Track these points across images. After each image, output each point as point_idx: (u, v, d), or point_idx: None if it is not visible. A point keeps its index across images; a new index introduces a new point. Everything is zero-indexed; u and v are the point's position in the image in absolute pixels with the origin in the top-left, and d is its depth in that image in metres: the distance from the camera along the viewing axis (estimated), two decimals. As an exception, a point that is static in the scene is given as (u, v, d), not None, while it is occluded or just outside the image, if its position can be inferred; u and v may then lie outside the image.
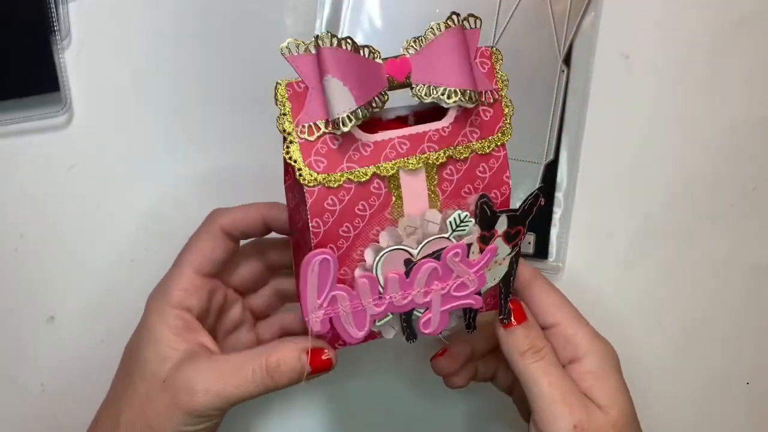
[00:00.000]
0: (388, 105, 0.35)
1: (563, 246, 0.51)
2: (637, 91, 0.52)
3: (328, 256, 0.34)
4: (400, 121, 0.38)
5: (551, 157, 0.51)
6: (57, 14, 0.47)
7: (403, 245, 0.36)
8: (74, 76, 0.48)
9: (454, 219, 0.36)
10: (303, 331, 0.37)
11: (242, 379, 0.37)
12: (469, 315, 0.39)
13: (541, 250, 0.51)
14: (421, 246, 0.36)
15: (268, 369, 0.37)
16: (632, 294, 0.53)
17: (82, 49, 0.48)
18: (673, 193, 0.53)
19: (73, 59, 0.48)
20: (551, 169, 0.51)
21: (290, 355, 0.38)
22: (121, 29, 0.48)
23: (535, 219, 0.37)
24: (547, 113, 0.51)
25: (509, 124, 0.38)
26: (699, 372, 0.54)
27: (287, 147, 0.34)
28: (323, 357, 0.38)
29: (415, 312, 0.37)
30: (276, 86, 0.34)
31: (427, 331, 0.38)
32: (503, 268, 0.38)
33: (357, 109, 0.33)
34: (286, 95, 0.34)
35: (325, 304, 0.35)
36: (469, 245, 0.36)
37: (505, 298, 0.39)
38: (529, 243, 0.51)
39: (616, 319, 0.52)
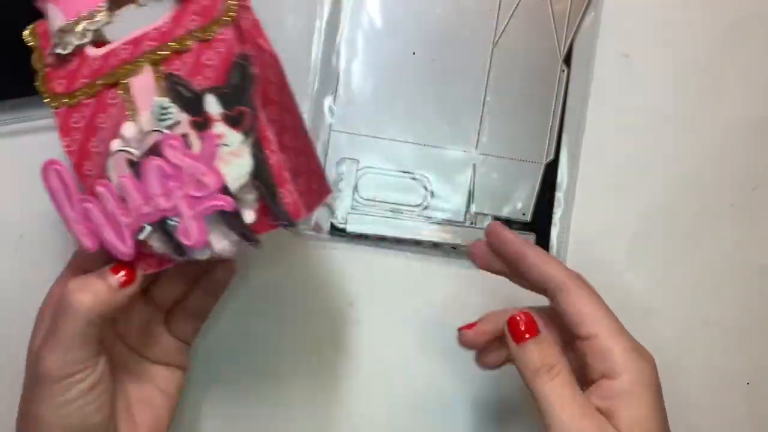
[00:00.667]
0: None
1: (563, 246, 0.51)
2: (638, 90, 0.52)
3: (56, 166, 0.35)
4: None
5: (551, 156, 0.51)
6: (56, 14, 0.47)
7: (122, 145, 0.35)
8: (74, 75, 0.48)
9: (155, 108, 0.34)
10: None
11: (58, 321, 0.36)
12: (235, 224, 0.35)
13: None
14: (139, 144, 0.35)
15: (66, 298, 0.36)
16: (632, 294, 0.53)
17: (81, 48, 0.48)
18: (673, 193, 0.53)
19: (72, 59, 0.47)
20: (551, 169, 0.51)
21: (90, 277, 0.37)
22: (120, 27, 0.48)
23: (246, 93, 0.34)
24: (548, 113, 0.51)
25: (233, 3, 0.35)
26: (699, 372, 0.54)
27: (38, 78, 0.36)
28: (123, 267, 0.37)
29: (167, 222, 0.35)
30: (30, 29, 0.37)
31: (189, 243, 0.35)
32: (245, 160, 0.34)
33: (65, 24, 0.36)
34: (38, 33, 0.37)
35: (80, 216, 0.36)
36: (186, 136, 0.34)
37: (273, 198, 0.34)
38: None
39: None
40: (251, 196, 0.35)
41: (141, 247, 0.36)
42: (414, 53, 0.50)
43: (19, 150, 0.48)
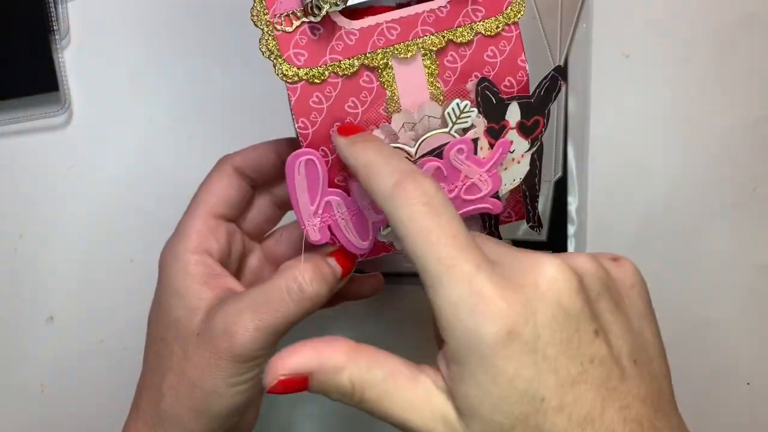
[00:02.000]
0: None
1: None
2: (638, 90, 0.52)
3: (312, 156, 0.31)
4: (400, 6, 0.33)
5: (560, 173, 0.51)
6: (56, 14, 0.47)
7: (399, 143, 0.32)
8: (73, 75, 0.48)
9: (453, 110, 0.32)
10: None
11: (278, 303, 0.34)
12: (489, 222, 0.34)
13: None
14: (418, 143, 0.32)
15: (300, 284, 0.34)
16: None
17: (81, 48, 0.48)
18: (673, 193, 0.53)
19: (72, 59, 0.47)
20: (561, 187, 0.51)
21: (317, 261, 0.34)
22: (120, 28, 0.48)
23: (551, 104, 0.32)
24: (550, 131, 0.51)
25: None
26: (699, 372, 0.54)
27: (263, 38, 0.31)
28: (346, 257, 0.34)
29: None
30: None
31: None
32: (523, 167, 0.33)
33: None
34: None
35: (320, 211, 0.32)
36: (476, 140, 0.32)
37: (532, 202, 0.34)
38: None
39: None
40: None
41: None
42: None
43: (19, 150, 0.48)
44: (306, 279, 0.34)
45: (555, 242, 0.51)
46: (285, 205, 0.41)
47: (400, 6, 0.32)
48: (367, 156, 0.30)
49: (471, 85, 0.32)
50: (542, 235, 0.51)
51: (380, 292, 0.42)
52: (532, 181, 0.34)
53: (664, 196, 0.53)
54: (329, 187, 0.32)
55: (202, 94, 0.49)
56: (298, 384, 0.29)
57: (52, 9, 0.46)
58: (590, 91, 0.51)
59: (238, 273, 0.39)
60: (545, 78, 0.32)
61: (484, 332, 0.26)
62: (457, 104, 0.32)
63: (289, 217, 0.41)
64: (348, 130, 0.32)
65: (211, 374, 0.34)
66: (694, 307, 0.54)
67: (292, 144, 0.37)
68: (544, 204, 0.51)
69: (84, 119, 0.48)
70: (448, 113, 0.32)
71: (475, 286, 0.26)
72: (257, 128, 0.48)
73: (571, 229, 0.51)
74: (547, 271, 0.27)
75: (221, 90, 0.49)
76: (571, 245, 0.51)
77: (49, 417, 0.50)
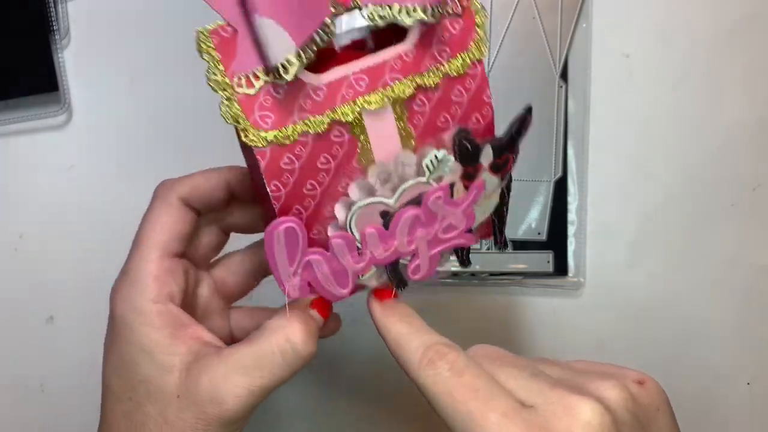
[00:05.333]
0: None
1: (582, 260, 0.52)
2: (638, 90, 0.52)
3: (293, 224, 0.30)
4: (356, 48, 0.31)
5: (560, 173, 0.51)
6: (56, 14, 0.46)
7: (378, 197, 0.31)
8: (73, 75, 0.48)
9: (431, 161, 0.31)
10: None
11: (271, 366, 0.32)
12: (461, 252, 0.35)
13: (560, 268, 0.52)
14: (397, 194, 0.31)
15: (294, 346, 0.33)
16: (632, 294, 0.53)
17: (80, 48, 0.48)
18: (673, 193, 0.53)
19: (71, 59, 0.47)
20: (561, 187, 0.51)
21: (305, 318, 0.33)
22: (120, 28, 0.48)
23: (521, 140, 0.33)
24: (550, 131, 0.51)
25: (483, 33, 0.32)
26: (699, 372, 0.54)
27: (225, 104, 0.29)
28: (325, 305, 0.35)
29: (401, 260, 0.33)
30: (197, 35, 0.29)
31: (416, 277, 0.34)
32: (493, 201, 0.34)
33: (297, 49, 0.28)
34: (212, 44, 0.29)
35: (299, 270, 0.31)
36: (452, 185, 0.32)
37: (500, 229, 0.35)
38: (548, 262, 0.51)
39: (621, 319, 0.52)
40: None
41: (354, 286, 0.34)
42: None
43: (20, 150, 0.48)
44: (299, 340, 0.33)
45: (555, 242, 0.51)
46: (231, 229, 0.39)
47: (353, 44, 0.30)
48: (396, 328, 0.33)
49: (447, 135, 0.32)
50: (542, 235, 0.51)
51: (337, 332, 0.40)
52: (501, 210, 0.35)
53: (664, 196, 0.53)
54: (308, 245, 0.31)
55: (202, 93, 0.49)
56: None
57: (52, 9, 0.46)
58: (590, 91, 0.51)
59: (189, 306, 0.37)
60: (516, 119, 0.32)
61: None
62: (435, 156, 0.31)
63: (234, 240, 0.40)
64: (383, 295, 0.34)
65: None
66: (694, 307, 0.54)
67: (244, 174, 0.36)
68: (544, 204, 0.51)
69: (83, 119, 0.48)
70: (427, 165, 0.31)
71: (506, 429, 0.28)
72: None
73: (571, 229, 0.51)
74: (582, 416, 0.28)
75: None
76: (570, 245, 0.51)
77: (49, 417, 0.50)
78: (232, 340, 0.39)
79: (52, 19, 0.46)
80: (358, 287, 0.34)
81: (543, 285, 0.51)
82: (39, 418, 0.50)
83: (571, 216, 0.51)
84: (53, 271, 0.49)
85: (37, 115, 0.47)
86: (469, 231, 0.34)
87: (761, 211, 0.54)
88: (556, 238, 0.51)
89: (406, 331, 0.33)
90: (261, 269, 0.39)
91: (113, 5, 0.48)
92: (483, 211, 0.34)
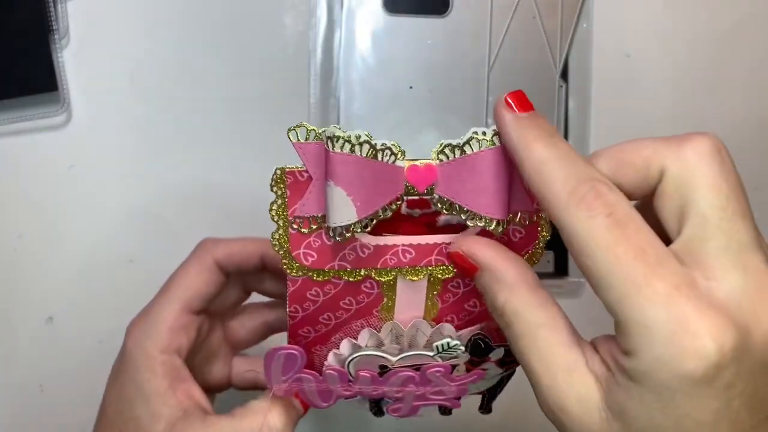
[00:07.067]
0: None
1: None
2: (638, 90, 0.52)
3: (295, 352, 0.32)
4: (424, 219, 0.32)
5: None
6: (55, 13, 0.46)
7: (382, 351, 0.32)
8: (73, 75, 0.48)
9: (442, 345, 0.32)
10: None
11: None
12: (444, 408, 0.37)
13: (561, 268, 0.52)
14: (401, 356, 0.32)
15: (270, 428, 0.35)
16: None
17: (80, 48, 0.48)
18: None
19: (71, 58, 0.47)
20: None
21: (286, 403, 0.35)
22: (119, 28, 0.48)
23: None
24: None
25: (540, 250, 0.32)
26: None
27: (278, 233, 0.30)
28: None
29: (385, 399, 0.36)
30: (275, 171, 0.30)
31: (395, 416, 0.36)
32: (490, 383, 0.35)
33: (355, 222, 0.29)
34: (286, 183, 0.30)
35: (289, 381, 0.33)
36: (454, 366, 0.33)
37: (489, 401, 0.37)
38: (549, 261, 0.51)
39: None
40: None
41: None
42: (411, 87, 0.50)
43: (19, 150, 0.48)
44: (278, 425, 0.35)
45: (555, 243, 0.51)
46: (256, 290, 0.41)
47: (423, 216, 0.32)
48: (538, 150, 0.26)
49: (466, 332, 0.32)
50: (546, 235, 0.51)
51: None
52: (494, 391, 0.36)
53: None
54: (305, 366, 0.33)
55: (202, 94, 0.49)
56: (469, 268, 0.29)
57: (52, 9, 0.46)
58: (590, 91, 0.51)
59: (197, 349, 0.39)
60: None
61: (678, 367, 0.23)
62: (447, 343, 0.32)
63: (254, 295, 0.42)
64: (520, 104, 0.28)
65: None
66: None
67: None
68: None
69: (83, 119, 0.48)
70: (437, 346, 0.32)
71: (675, 312, 0.23)
72: (257, 128, 0.48)
73: None
74: None
75: (221, 90, 0.49)
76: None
77: (48, 417, 0.50)
78: (228, 384, 0.42)
79: (52, 19, 0.46)
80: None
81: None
82: (39, 419, 0.50)
83: None
84: (53, 271, 0.49)
85: (36, 115, 0.47)
86: (458, 399, 0.35)
87: (761, 211, 0.53)
88: (556, 239, 0.51)
89: (550, 155, 0.26)
90: (270, 329, 0.42)
91: (113, 5, 0.48)
92: (477, 388, 0.35)
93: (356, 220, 0.28)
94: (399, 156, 0.29)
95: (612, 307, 0.25)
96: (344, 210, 0.28)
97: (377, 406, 0.37)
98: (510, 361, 0.33)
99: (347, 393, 0.34)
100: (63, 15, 0.47)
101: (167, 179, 0.49)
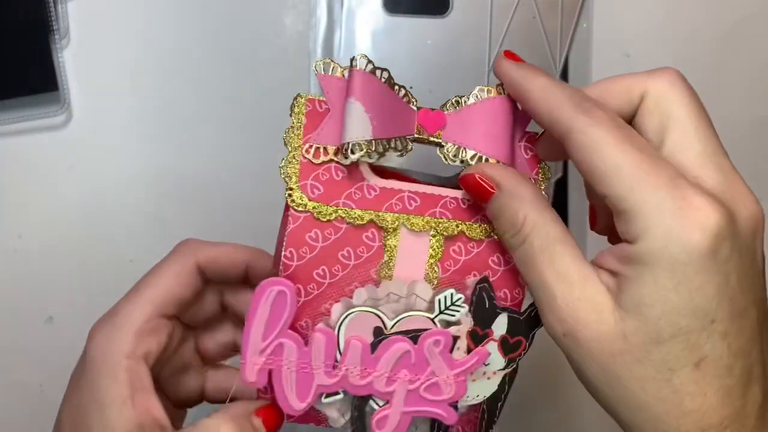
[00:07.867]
0: (416, 168, 0.33)
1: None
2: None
3: (285, 288, 0.30)
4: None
5: (560, 173, 0.51)
6: (56, 13, 0.46)
7: (378, 309, 0.31)
8: (73, 75, 0.48)
9: (444, 298, 0.31)
10: (251, 394, 0.33)
11: None
12: (437, 428, 0.33)
13: None
14: (398, 318, 0.31)
15: None
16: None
17: (81, 48, 0.48)
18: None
19: (71, 58, 0.47)
20: (561, 187, 0.51)
21: (241, 422, 0.31)
22: (120, 28, 0.48)
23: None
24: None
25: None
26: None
27: (286, 160, 0.31)
28: (274, 418, 0.32)
29: (371, 401, 0.32)
30: (296, 98, 0.31)
31: (381, 431, 0.32)
32: (492, 385, 0.33)
33: (371, 140, 0.29)
34: (304, 110, 0.31)
35: (268, 350, 0.30)
36: (456, 338, 0.31)
37: (488, 425, 0.33)
38: None
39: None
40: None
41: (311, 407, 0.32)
42: (411, 87, 0.50)
43: (19, 150, 0.48)
44: None
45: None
46: (229, 303, 0.39)
47: (427, 184, 0.32)
48: (541, 79, 0.30)
49: (470, 281, 0.32)
50: None
51: None
52: (495, 404, 0.33)
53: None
54: (290, 328, 0.30)
55: (202, 93, 0.49)
56: (484, 190, 0.30)
57: (52, 9, 0.46)
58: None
59: (167, 359, 0.36)
60: (536, 314, 0.31)
61: (688, 239, 0.26)
62: (451, 294, 0.31)
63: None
64: (513, 56, 0.31)
65: None
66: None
67: (266, 260, 0.36)
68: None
69: (83, 119, 0.48)
70: (439, 300, 0.31)
71: (680, 192, 0.26)
72: (257, 128, 0.48)
73: (571, 230, 0.52)
74: (755, 203, 0.28)
75: (220, 89, 0.49)
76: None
77: (49, 417, 0.50)
78: (201, 398, 0.39)
79: (52, 19, 0.46)
80: (312, 416, 0.33)
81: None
82: (38, 419, 0.50)
83: (572, 216, 0.51)
84: (53, 271, 0.49)
85: (36, 115, 0.47)
86: (454, 406, 0.32)
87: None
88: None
89: (552, 82, 0.29)
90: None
91: (113, 5, 0.48)
92: (476, 391, 0.33)
93: (371, 137, 0.29)
94: (411, 100, 0.31)
95: (620, 197, 0.27)
96: (361, 126, 0.29)
97: (360, 418, 0.33)
98: (513, 346, 0.32)
99: (330, 381, 0.31)
100: (63, 15, 0.47)
101: (167, 179, 0.49)
